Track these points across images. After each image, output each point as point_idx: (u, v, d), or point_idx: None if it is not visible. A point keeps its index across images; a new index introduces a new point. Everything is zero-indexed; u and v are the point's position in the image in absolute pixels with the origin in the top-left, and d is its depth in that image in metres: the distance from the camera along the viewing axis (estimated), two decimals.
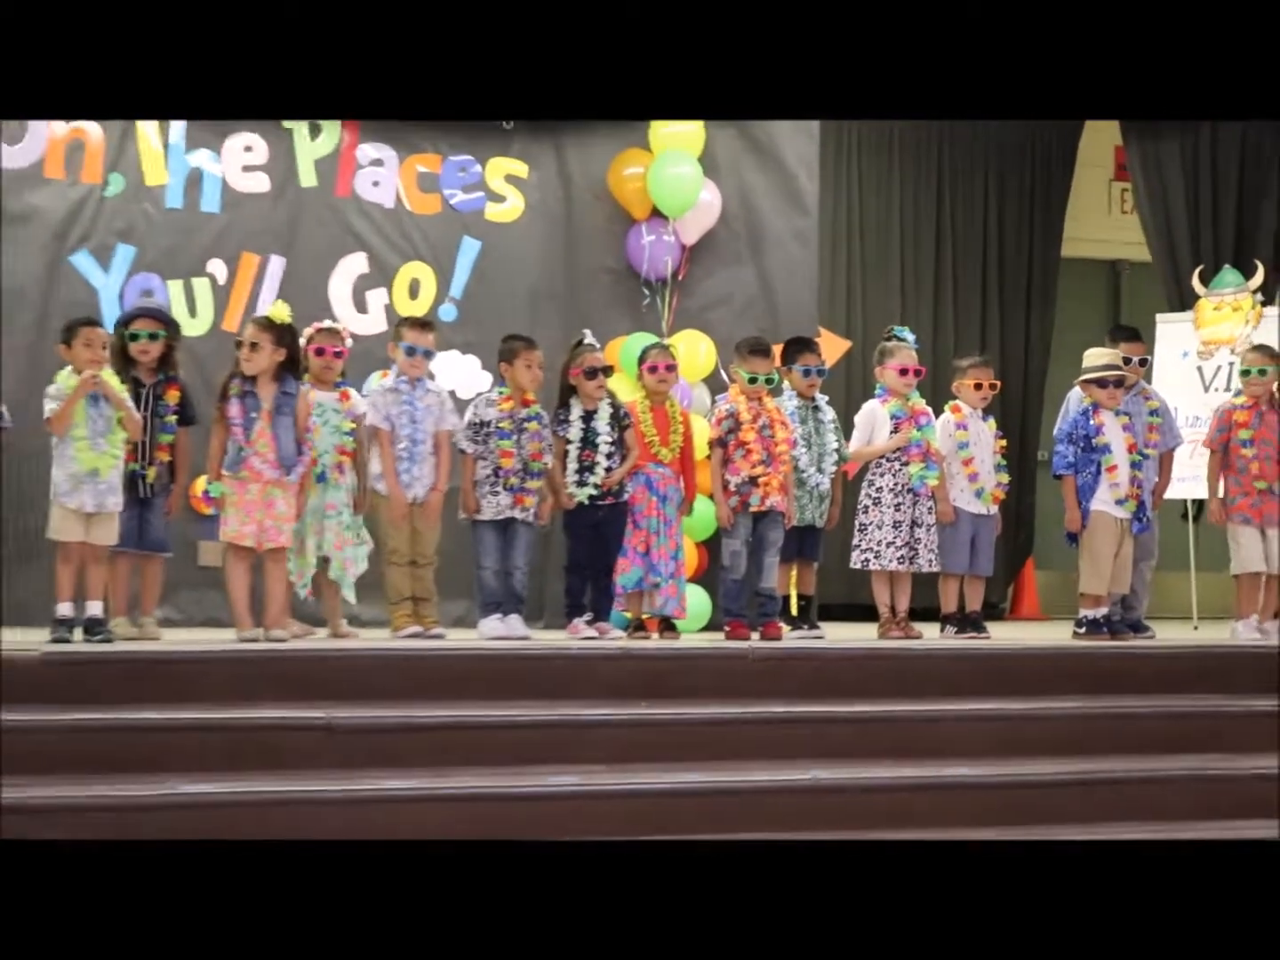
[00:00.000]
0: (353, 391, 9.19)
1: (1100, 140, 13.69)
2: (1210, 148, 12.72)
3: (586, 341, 9.42)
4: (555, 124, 11.39)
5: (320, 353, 8.87)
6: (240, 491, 8.35)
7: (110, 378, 8.32)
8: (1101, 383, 9.62)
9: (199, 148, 10.93)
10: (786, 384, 9.67)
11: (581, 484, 9.03)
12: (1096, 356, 9.81)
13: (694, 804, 7.25)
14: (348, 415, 8.98)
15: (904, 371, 9.68)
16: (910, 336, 10.09)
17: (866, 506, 9.61)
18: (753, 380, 9.29)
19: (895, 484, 9.55)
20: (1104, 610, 9.59)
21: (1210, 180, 12.73)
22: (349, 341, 9.38)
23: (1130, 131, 12.99)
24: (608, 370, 9.26)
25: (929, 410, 9.78)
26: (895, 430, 9.60)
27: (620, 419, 9.17)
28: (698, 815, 7.15)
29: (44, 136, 10.61)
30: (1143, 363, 10.03)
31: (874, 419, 9.68)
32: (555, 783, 7.17)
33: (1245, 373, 9.93)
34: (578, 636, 8.82)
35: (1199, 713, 8.43)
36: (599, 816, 7.07)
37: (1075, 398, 10.11)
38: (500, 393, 9.09)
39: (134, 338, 8.66)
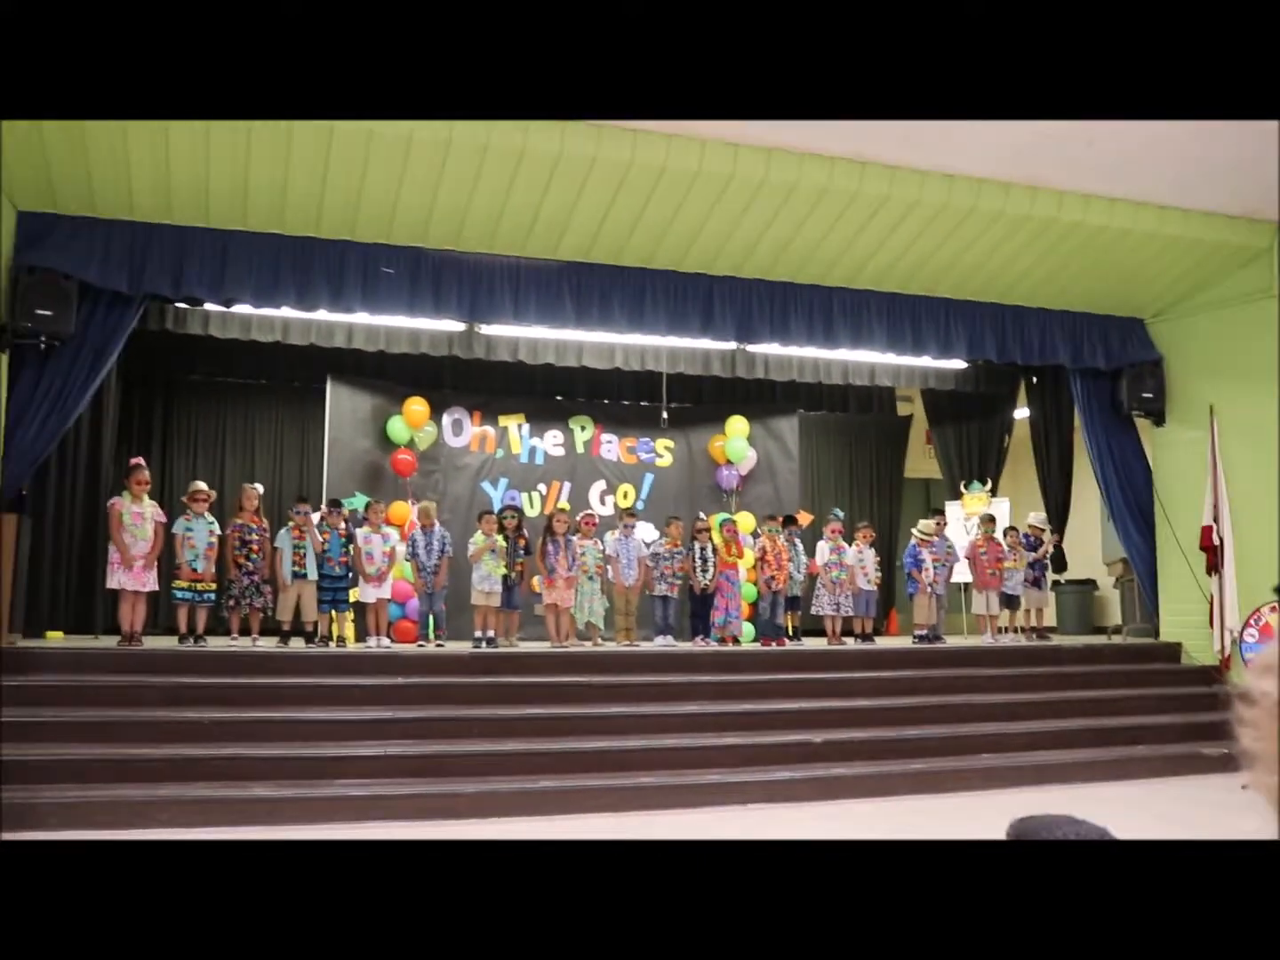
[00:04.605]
0: (599, 540, 9.32)
1: (919, 427, 13.67)
2: (967, 431, 12.64)
3: (700, 517, 9.65)
4: (687, 422, 11.57)
5: (588, 523, 9.03)
6: (553, 583, 8.60)
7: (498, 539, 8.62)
8: (926, 538, 9.71)
9: (535, 436, 11.20)
10: (782, 534, 9.68)
11: (703, 576, 9.07)
12: (925, 525, 9.84)
13: (741, 718, 7.34)
14: (599, 551, 9.12)
15: (834, 531, 9.69)
16: (840, 513, 10.13)
17: (820, 587, 9.60)
18: (770, 530, 9.44)
19: (832, 578, 9.53)
20: (925, 631, 9.55)
21: (968, 443, 12.62)
22: (598, 518, 9.51)
23: (933, 425, 12.94)
24: (706, 530, 9.31)
25: (846, 545, 9.71)
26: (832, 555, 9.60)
27: (714, 549, 9.20)
28: (742, 724, 7.25)
29: (470, 432, 10.97)
30: (941, 526, 10.07)
31: (823, 549, 9.65)
32: (681, 710, 7.30)
33: (983, 526, 9.99)
34: (696, 646, 8.84)
35: (969, 677, 8.42)
36: (701, 724, 7.23)
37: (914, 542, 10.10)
38: (662, 541, 9.20)
39: (504, 516, 8.86)
